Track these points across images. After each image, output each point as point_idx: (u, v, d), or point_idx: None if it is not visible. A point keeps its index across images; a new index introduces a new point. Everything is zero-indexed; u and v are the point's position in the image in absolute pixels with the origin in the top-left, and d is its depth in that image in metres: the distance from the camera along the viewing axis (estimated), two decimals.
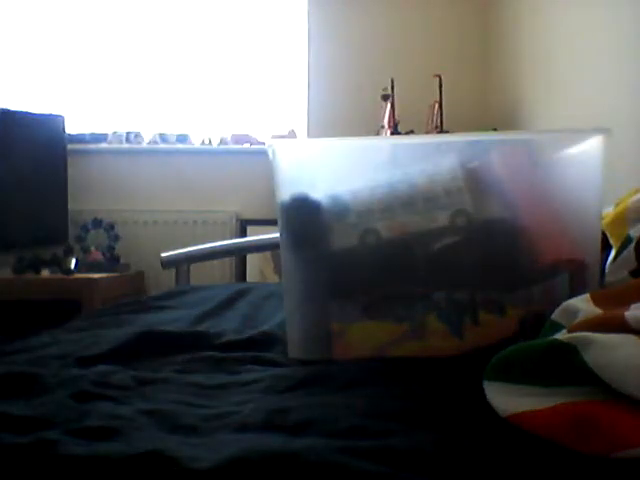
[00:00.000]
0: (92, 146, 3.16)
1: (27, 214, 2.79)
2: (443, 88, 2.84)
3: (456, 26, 3.17)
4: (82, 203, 3.01)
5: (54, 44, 3.21)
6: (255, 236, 2.18)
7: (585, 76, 2.18)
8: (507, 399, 0.57)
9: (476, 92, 3.16)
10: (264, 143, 3.14)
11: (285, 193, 0.87)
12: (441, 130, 2.81)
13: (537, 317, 0.82)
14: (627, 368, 0.53)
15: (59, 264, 2.81)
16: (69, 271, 2.78)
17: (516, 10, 2.85)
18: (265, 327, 1.02)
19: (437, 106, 2.85)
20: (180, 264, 1.77)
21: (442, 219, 0.84)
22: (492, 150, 0.89)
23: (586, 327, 0.60)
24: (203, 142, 3.24)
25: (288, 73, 3.28)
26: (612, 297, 0.69)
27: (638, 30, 1.84)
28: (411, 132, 2.80)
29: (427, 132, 2.86)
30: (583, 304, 0.68)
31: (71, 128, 3.06)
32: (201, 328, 1.05)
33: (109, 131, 3.22)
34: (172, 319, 1.14)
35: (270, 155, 0.86)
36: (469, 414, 0.60)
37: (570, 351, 0.56)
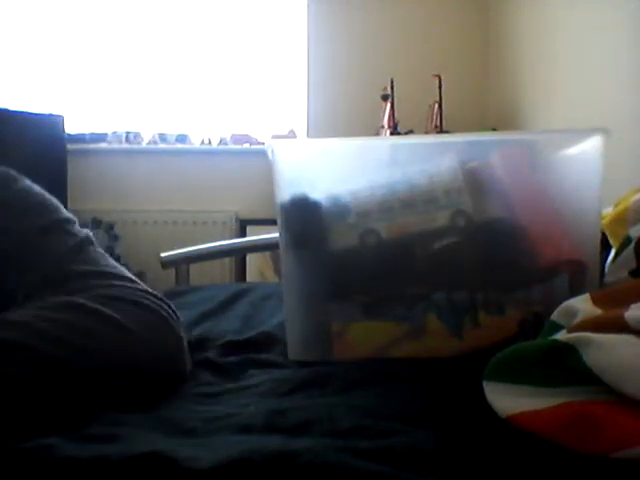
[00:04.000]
0: (92, 146, 3.16)
1: None
2: (443, 88, 2.84)
3: (456, 26, 3.17)
4: (81, 203, 3.01)
5: (53, 44, 3.21)
6: (255, 236, 2.17)
7: (585, 76, 2.18)
8: (507, 399, 0.57)
9: (476, 92, 3.16)
10: (264, 143, 3.14)
11: (285, 193, 0.87)
12: (441, 130, 2.81)
13: (537, 317, 0.82)
14: (626, 368, 0.53)
15: None
16: None
17: (516, 10, 2.85)
18: (265, 327, 1.02)
19: (437, 106, 2.85)
20: (180, 264, 1.77)
21: (442, 219, 0.84)
22: (492, 150, 0.89)
23: (586, 327, 0.60)
24: (203, 142, 3.24)
25: (288, 73, 3.28)
26: (612, 297, 0.69)
27: (638, 30, 1.84)
28: (411, 132, 2.81)
29: (427, 132, 2.87)
30: (583, 304, 0.68)
31: (71, 128, 3.06)
32: (201, 328, 1.05)
33: (109, 131, 3.22)
34: None
35: (270, 155, 0.86)
36: (469, 414, 0.60)
37: (569, 351, 0.56)
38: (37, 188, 0.86)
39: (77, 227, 0.83)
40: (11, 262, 0.76)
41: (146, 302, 0.70)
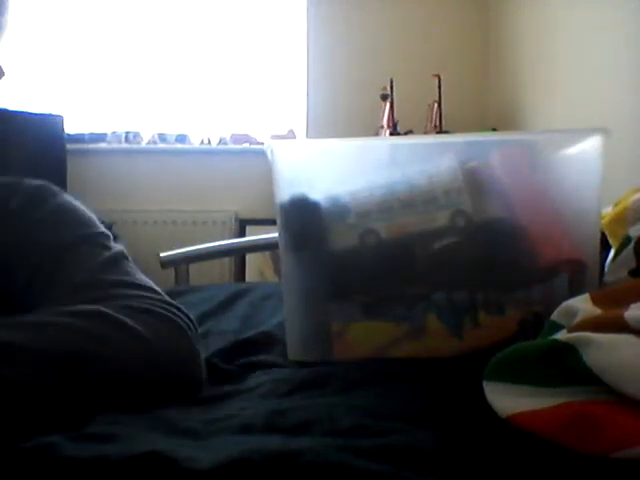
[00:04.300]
0: (91, 146, 3.16)
1: None
2: (442, 88, 2.84)
3: (456, 26, 3.17)
4: (81, 203, 3.01)
5: (53, 44, 3.21)
6: (254, 236, 2.17)
7: (585, 76, 2.18)
8: (506, 399, 0.57)
9: (475, 92, 3.16)
10: (263, 143, 3.14)
11: (284, 194, 0.87)
12: (440, 130, 2.81)
13: (537, 317, 0.82)
14: (626, 368, 0.53)
15: None
16: None
17: (516, 10, 2.85)
18: (265, 327, 1.02)
19: (436, 106, 2.85)
20: (179, 264, 1.77)
21: (442, 219, 0.84)
22: (491, 150, 0.89)
23: (585, 327, 0.60)
24: (202, 142, 3.24)
25: (287, 73, 3.28)
26: (612, 297, 0.69)
27: (638, 30, 1.84)
28: (410, 132, 2.81)
29: (426, 132, 2.87)
30: (583, 304, 0.68)
31: (70, 128, 3.05)
32: (200, 329, 1.04)
33: (108, 131, 3.22)
34: None
35: (269, 155, 0.86)
36: (469, 414, 0.60)
37: (569, 351, 0.56)
38: (76, 203, 0.87)
39: (112, 242, 0.83)
40: (43, 275, 0.76)
41: (164, 312, 0.71)
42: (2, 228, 0.80)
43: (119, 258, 0.80)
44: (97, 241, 0.82)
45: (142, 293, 0.73)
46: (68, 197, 0.88)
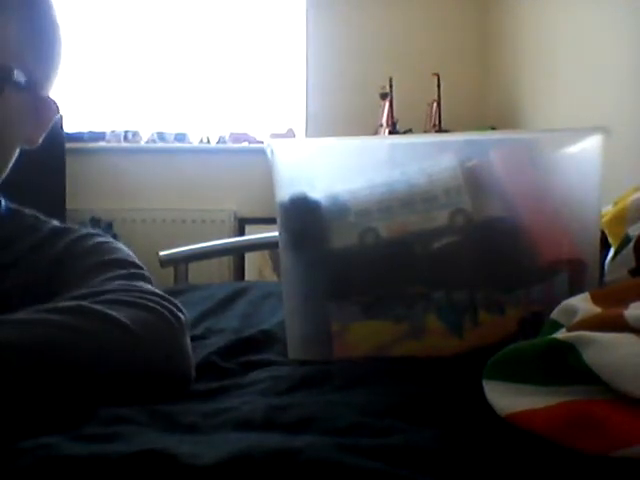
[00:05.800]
0: (90, 145, 3.16)
1: None
2: (442, 87, 2.85)
3: (455, 25, 3.17)
4: (80, 202, 3.01)
5: None
6: (253, 235, 2.17)
7: (585, 75, 2.19)
8: (506, 398, 0.57)
9: (475, 91, 3.17)
10: (262, 142, 3.15)
11: (284, 193, 0.87)
12: (439, 129, 2.82)
13: (536, 317, 0.82)
14: (626, 367, 0.53)
15: None
16: None
17: (515, 9, 2.85)
18: (264, 326, 1.02)
19: (435, 105, 2.86)
20: (179, 263, 1.77)
21: (441, 218, 0.84)
22: (491, 149, 0.89)
23: (585, 326, 0.60)
24: (201, 141, 3.24)
25: (286, 71, 3.28)
26: (611, 296, 0.69)
27: (638, 30, 1.84)
28: (409, 131, 2.81)
29: (426, 131, 2.87)
30: (582, 303, 0.68)
31: (69, 127, 3.05)
32: (200, 327, 1.05)
33: (107, 130, 3.22)
34: None
35: (269, 155, 0.86)
36: (469, 413, 0.60)
37: (569, 350, 0.56)
38: (118, 243, 0.88)
39: (144, 272, 0.82)
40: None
41: (152, 305, 0.70)
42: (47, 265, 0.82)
43: (139, 278, 0.78)
44: (121, 264, 0.81)
45: (132, 287, 0.73)
46: (109, 238, 0.89)
